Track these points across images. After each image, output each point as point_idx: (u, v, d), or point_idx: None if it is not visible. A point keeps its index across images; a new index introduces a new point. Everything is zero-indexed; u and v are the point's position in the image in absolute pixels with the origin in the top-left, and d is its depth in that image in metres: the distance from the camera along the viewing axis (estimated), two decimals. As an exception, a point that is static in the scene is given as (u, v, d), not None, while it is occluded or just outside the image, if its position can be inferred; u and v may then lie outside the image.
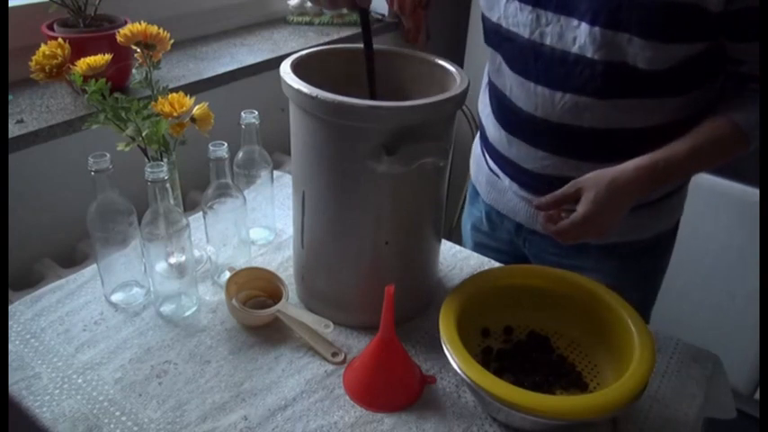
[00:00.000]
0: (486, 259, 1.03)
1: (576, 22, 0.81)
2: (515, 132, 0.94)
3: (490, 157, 1.04)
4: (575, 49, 0.83)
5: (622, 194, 0.80)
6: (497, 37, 0.92)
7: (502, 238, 1.11)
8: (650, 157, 0.81)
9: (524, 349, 0.83)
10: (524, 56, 0.88)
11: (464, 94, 0.77)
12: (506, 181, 1.02)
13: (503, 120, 0.97)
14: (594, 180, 0.81)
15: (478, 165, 1.10)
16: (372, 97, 0.84)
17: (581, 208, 0.81)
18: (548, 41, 0.85)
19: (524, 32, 0.87)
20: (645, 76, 0.80)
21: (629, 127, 0.86)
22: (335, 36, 1.62)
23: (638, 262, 1.02)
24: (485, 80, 1.05)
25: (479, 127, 1.08)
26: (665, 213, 1.00)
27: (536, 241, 1.04)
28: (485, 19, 0.95)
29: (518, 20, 0.87)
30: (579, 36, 0.82)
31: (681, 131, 0.82)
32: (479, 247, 1.16)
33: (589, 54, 0.82)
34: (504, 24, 0.90)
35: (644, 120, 0.86)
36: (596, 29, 0.79)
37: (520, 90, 0.91)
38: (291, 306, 0.87)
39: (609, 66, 0.81)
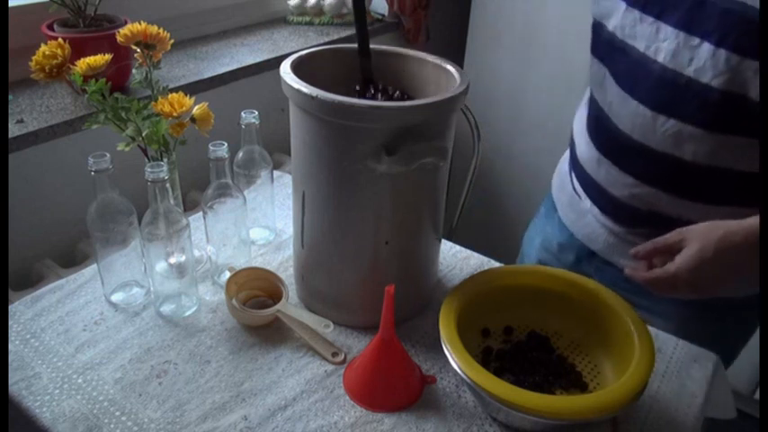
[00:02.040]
0: (486, 259, 1.03)
1: (696, 40, 0.73)
2: (608, 153, 0.88)
3: (576, 176, 0.98)
4: (689, 71, 0.75)
5: (734, 255, 0.70)
6: (608, 47, 0.85)
7: (569, 261, 1.04)
8: None
9: (524, 349, 0.83)
10: (633, 71, 0.81)
11: (464, 93, 0.77)
12: (587, 203, 0.95)
13: (597, 138, 0.90)
14: (703, 232, 0.72)
15: (562, 182, 1.05)
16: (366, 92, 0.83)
17: (678, 259, 0.72)
18: (660, 58, 0.77)
19: (640, 45, 0.80)
20: (759, 113, 0.71)
21: (734, 168, 0.77)
22: (335, 36, 1.62)
23: (716, 320, 0.92)
24: (586, 95, 0.98)
25: (570, 143, 1.02)
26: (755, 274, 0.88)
27: (608, 272, 0.96)
28: (597, 27, 0.87)
29: (636, 31, 0.80)
30: (698, 57, 0.74)
31: None
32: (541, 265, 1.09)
33: (705, 79, 0.73)
34: (618, 35, 0.83)
35: (752, 163, 0.76)
36: (722, 51, 0.71)
37: (620, 107, 0.84)
38: (291, 306, 0.87)
39: (726, 96, 0.72)
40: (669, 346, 0.87)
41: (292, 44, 1.54)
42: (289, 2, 1.68)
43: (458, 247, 1.06)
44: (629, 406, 0.68)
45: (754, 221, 0.71)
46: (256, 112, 0.94)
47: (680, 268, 0.72)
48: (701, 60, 0.74)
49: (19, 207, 1.09)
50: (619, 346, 0.77)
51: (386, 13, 1.80)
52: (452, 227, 0.94)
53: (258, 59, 1.41)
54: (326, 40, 1.59)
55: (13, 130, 1.04)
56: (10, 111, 1.10)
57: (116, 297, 0.91)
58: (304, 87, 0.74)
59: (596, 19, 0.88)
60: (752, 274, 0.78)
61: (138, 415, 0.74)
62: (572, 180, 1.01)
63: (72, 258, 1.20)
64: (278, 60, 1.37)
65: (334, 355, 0.82)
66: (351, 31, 1.66)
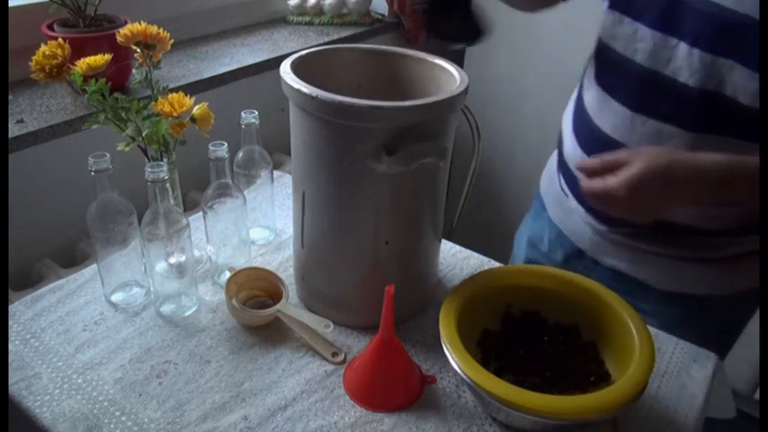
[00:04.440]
0: (486, 259, 1.03)
1: (674, 41, 0.76)
2: (590, 152, 0.89)
3: (562, 174, 1.00)
4: (667, 71, 0.77)
5: (675, 183, 0.71)
6: (595, 48, 0.89)
7: (559, 261, 1.05)
8: (728, 156, 0.71)
9: (522, 335, 0.82)
10: (612, 71, 0.84)
11: (464, 93, 0.77)
12: (574, 203, 0.97)
13: (580, 137, 0.92)
14: (654, 153, 0.72)
15: (550, 180, 1.06)
16: None
17: (623, 173, 0.72)
18: (638, 58, 0.80)
19: (618, 46, 0.82)
20: (745, 113, 0.72)
21: None
22: (335, 36, 1.62)
23: (703, 318, 0.93)
24: (575, 93, 1.00)
25: (558, 142, 1.03)
26: (741, 273, 0.91)
27: (597, 271, 0.98)
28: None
29: (615, 32, 0.83)
30: (675, 57, 0.76)
31: None
32: (532, 264, 1.10)
33: (683, 79, 0.75)
34: (600, 36, 0.85)
35: None
36: (696, 51, 0.73)
37: (600, 107, 0.86)
38: (291, 306, 0.87)
39: (704, 94, 0.74)
40: (669, 346, 0.87)
41: (292, 44, 1.54)
42: (289, 2, 1.68)
43: (458, 247, 1.06)
44: (629, 406, 0.68)
45: (702, 156, 0.72)
46: (256, 112, 0.94)
47: (621, 183, 0.72)
48: (678, 60, 0.75)
49: (19, 207, 1.09)
50: (619, 346, 0.77)
51: (386, 13, 1.80)
52: (452, 227, 0.94)
53: (258, 59, 1.41)
54: (326, 40, 1.59)
55: (13, 130, 1.04)
56: (10, 111, 1.10)
57: (116, 297, 0.91)
58: (304, 87, 0.74)
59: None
60: (719, 273, 0.89)
61: (138, 415, 0.74)
62: (560, 179, 1.02)
63: (72, 258, 1.20)
64: (278, 60, 1.37)
65: (334, 355, 0.82)
66: (350, 31, 1.66)
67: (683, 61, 0.75)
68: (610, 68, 0.85)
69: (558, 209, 1.04)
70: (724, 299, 0.92)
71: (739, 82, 0.72)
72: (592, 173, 0.76)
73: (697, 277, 0.91)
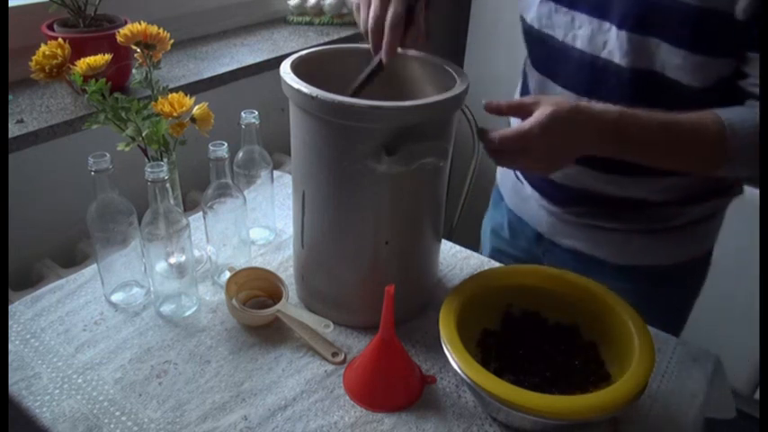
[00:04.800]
0: (486, 259, 1.03)
1: (607, 25, 0.80)
2: None
3: None
4: (604, 54, 0.81)
5: (578, 128, 0.74)
6: (529, 37, 0.92)
7: (521, 246, 1.09)
8: (619, 108, 0.74)
9: (521, 334, 0.82)
10: (554, 58, 0.87)
11: (464, 93, 0.77)
12: (528, 188, 1.00)
13: None
14: (558, 99, 0.75)
15: (506, 169, 1.09)
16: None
17: (532, 119, 0.73)
18: (578, 44, 0.84)
19: (558, 34, 0.86)
20: (677, 88, 0.77)
21: None
22: (335, 36, 1.62)
23: (658, 289, 0.98)
24: (521, 80, 1.03)
25: None
26: (689, 241, 0.96)
27: (556, 253, 1.02)
28: (522, 19, 0.94)
29: (552, 21, 0.86)
30: (610, 40, 0.80)
31: None
32: (497, 253, 1.14)
33: (617, 60, 0.80)
34: (536, 26, 0.89)
35: None
36: (623, 32, 0.78)
37: (543, 92, 0.89)
38: (291, 306, 0.87)
39: (636, 73, 0.79)
40: (669, 346, 0.87)
41: (292, 44, 1.54)
42: (289, 2, 1.68)
43: (458, 247, 1.06)
44: (629, 406, 0.68)
45: (600, 105, 0.75)
46: (256, 112, 0.94)
47: (533, 124, 0.72)
48: (611, 43, 0.80)
49: (19, 207, 1.09)
50: (619, 347, 0.77)
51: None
52: (452, 227, 0.94)
53: (258, 59, 1.41)
54: (326, 40, 1.59)
55: (13, 130, 1.04)
56: (10, 111, 1.10)
57: (116, 297, 0.91)
58: (304, 87, 0.74)
59: (520, 12, 0.94)
60: (671, 243, 0.94)
61: (138, 415, 0.74)
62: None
63: (72, 258, 1.20)
64: (278, 60, 1.36)
65: (334, 355, 0.82)
66: (350, 32, 1.66)
67: (615, 43, 0.79)
68: (550, 56, 0.88)
69: (515, 196, 1.07)
70: (674, 268, 0.97)
71: (666, 58, 0.76)
72: (498, 112, 0.79)
73: (646, 248, 0.96)
